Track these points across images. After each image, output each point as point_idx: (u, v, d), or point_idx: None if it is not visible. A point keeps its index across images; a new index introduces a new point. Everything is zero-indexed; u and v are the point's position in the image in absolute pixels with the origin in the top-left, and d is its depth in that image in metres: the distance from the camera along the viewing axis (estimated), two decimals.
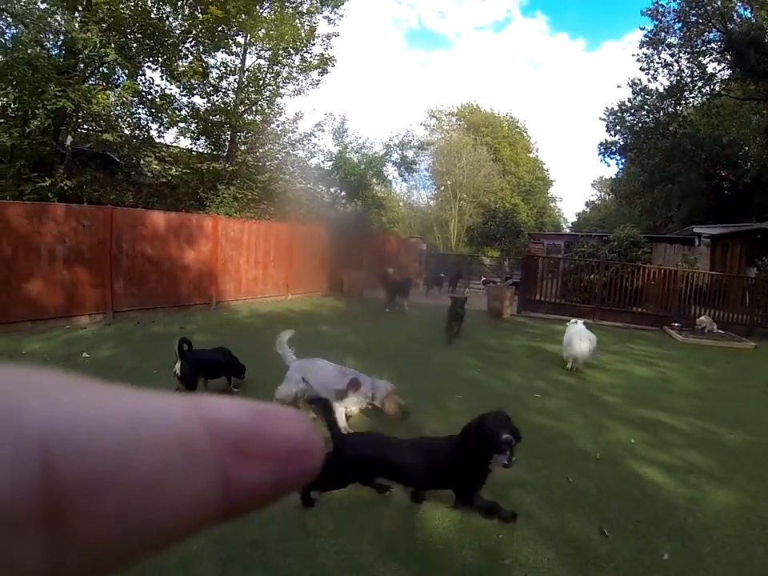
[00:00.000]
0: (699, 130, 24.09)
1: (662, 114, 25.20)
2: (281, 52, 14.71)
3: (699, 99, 24.88)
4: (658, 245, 17.40)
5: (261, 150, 15.13)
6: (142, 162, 13.35)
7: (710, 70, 23.64)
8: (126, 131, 12.71)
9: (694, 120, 24.90)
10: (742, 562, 3.21)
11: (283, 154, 15.61)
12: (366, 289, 13.55)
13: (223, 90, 14.55)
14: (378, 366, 6.28)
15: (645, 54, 24.65)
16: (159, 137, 13.77)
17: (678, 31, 23.40)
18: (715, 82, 23.90)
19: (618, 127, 26.80)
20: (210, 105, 14.27)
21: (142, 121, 13.30)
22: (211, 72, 14.31)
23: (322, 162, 17.02)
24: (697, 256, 15.25)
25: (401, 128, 38.97)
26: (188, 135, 14.18)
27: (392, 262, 15.06)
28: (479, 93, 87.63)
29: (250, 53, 14.95)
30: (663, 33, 23.84)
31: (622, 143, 27.13)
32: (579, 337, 7.27)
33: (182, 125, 13.88)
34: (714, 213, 23.51)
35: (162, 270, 8.84)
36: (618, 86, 26.11)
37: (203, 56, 13.97)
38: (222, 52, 14.37)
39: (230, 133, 14.54)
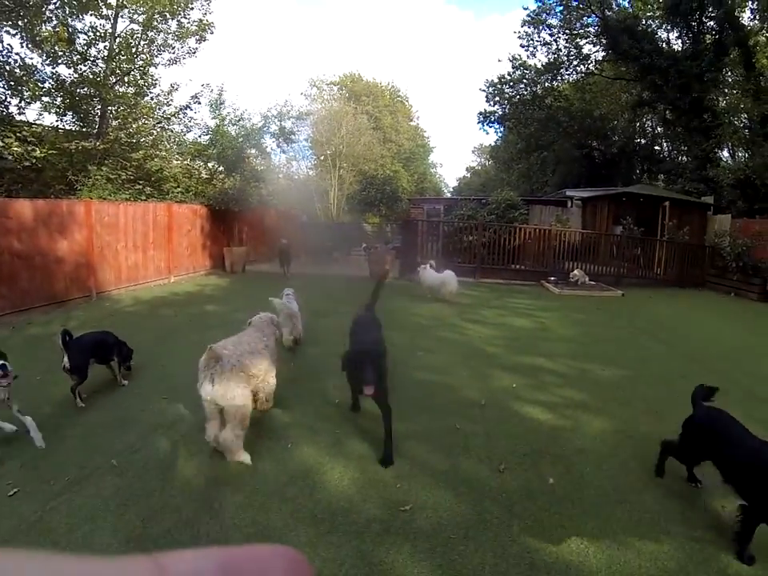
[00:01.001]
0: (573, 104, 26.94)
1: (538, 87, 27.61)
2: (156, 16, 14.12)
3: (574, 76, 27.53)
4: (534, 207, 18.97)
5: (134, 126, 14.18)
6: (0, 143, 11.56)
7: (585, 50, 26.21)
8: None
9: (569, 95, 27.78)
10: (618, 476, 3.60)
11: (158, 129, 15.16)
12: (248, 264, 13.79)
13: (92, 59, 13.41)
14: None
15: (526, 32, 26.68)
16: (20, 113, 12.50)
17: (558, 13, 25.66)
18: (590, 62, 26.59)
19: (497, 98, 28.84)
20: (77, 75, 13.07)
21: None
22: (78, 38, 13.15)
23: (199, 136, 17.02)
24: (569, 216, 17.07)
25: (279, 99, 38.62)
26: (53, 111, 13.02)
27: (275, 235, 15.48)
28: (363, 61, 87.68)
29: (121, 16, 13.89)
30: (545, 14, 25.97)
31: (500, 113, 29.24)
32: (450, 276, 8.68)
33: (45, 99, 12.74)
34: (585, 178, 26.36)
35: (34, 266, 8.04)
36: (499, 60, 28.10)
37: (69, 19, 12.87)
38: (91, 15, 13.25)
39: (100, 107, 13.65)
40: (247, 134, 17.10)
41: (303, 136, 34.80)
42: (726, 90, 20.69)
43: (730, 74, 20.43)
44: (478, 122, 30.47)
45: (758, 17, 18.63)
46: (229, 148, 15.90)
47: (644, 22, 23.00)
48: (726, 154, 22.13)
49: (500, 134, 33.86)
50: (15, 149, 11.43)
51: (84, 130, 13.56)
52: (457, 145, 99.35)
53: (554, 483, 3.41)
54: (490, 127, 30.99)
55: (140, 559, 0.19)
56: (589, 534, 2.97)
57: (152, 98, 14.88)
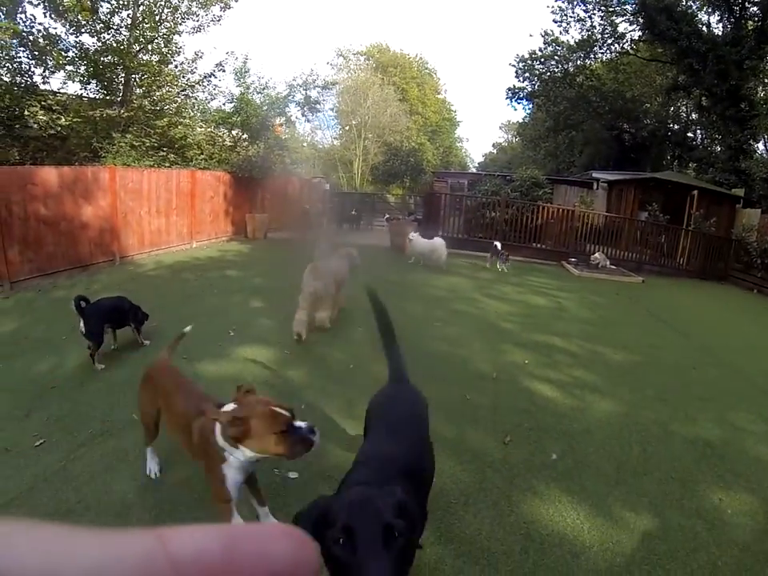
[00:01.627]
0: (605, 84, 25.93)
1: (570, 65, 26.65)
2: None
3: (608, 55, 26.44)
4: (559, 186, 18.69)
5: (158, 94, 13.98)
6: (26, 112, 11.61)
7: (620, 29, 24.97)
8: (6, 78, 11.31)
9: (601, 74, 26.71)
10: (620, 458, 3.64)
11: (182, 97, 14.88)
12: (270, 231, 13.87)
13: (115, 27, 13.06)
14: (283, 304, 6.42)
15: (560, 7, 25.50)
16: (44, 83, 12.32)
17: None
18: (625, 41, 25.35)
19: (527, 74, 27.92)
20: (100, 44, 12.82)
21: (23, 66, 11.71)
22: (101, 6, 12.79)
23: (223, 104, 16.71)
24: (594, 198, 16.80)
25: (305, 68, 38.20)
26: (77, 79, 12.79)
27: (297, 203, 15.94)
28: (391, 32, 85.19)
29: None
30: None
31: (529, 89, 28.39)
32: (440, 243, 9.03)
33: (69, 68, 12.50)
34: (613, 161, 25.63)
35: (60, 231, 8.18)
36: (531, 36, 27.08)
37: None
38: None
39: (123, 75, 13.38)
40: (272, 103, 16.90)
41: (329, 105, 34.70)
42: (766, 80, 19.81)
43: None
44: (507, 98, 29.95)
45: None
46: (253, 116, 15.77)
47: (684, 3, 21.70)
48: (761, 146, 21.32)
49: (528, 111, 33.31)
50: (40, 117, 11.50)
51: (108, 98, 13.41)
52: (484, 120, 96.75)
53: (557, 459, 3.48)
54: (519, 104, 30.54)
55: (143, 533, 0.19)
56: (585, 510, 3.03)
57: (176, 66, 14.59)
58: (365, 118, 33.80)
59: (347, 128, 36.35)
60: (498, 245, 11.09)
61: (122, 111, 12.58)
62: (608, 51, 26.04)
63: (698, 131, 25.94)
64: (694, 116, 26.02)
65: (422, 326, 6.41)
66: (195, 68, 14.90)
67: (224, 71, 15.73)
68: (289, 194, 16.70)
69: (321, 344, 5.39)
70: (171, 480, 2.96)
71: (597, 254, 12.40)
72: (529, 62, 27.38)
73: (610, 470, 3.47)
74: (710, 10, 21.52)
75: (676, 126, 26.92)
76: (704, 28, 21.44)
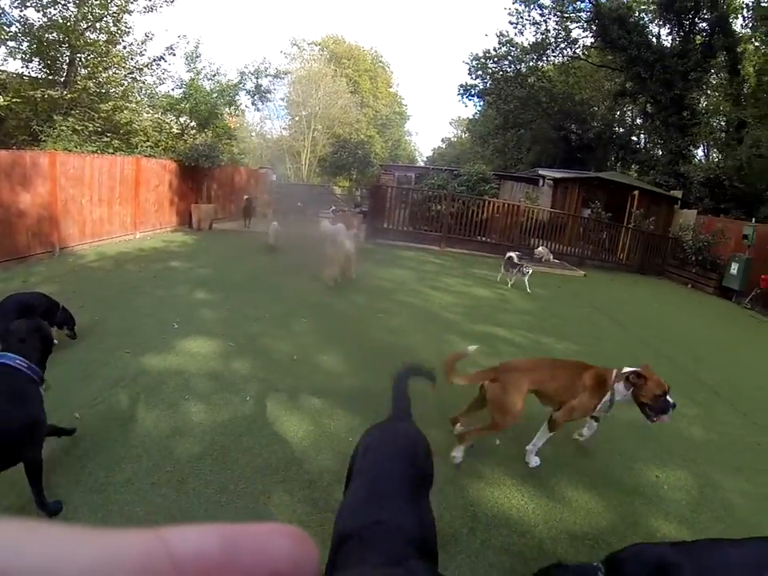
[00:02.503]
0: (555, 86, 27.05)
1: (523, 66, 27.65)
2: None
3: (560, 59, 27.69)
4: (506, 182, 19.13)
5: (104, 75, 13.38)
6: None
7: (574, 34, 26.17)
8: None
9: (553, 76, 27.83)
10: (563, 443, 3.73)
11: (129, 80, 14.32)
12: (216, 221, 13.73)
13: (62, 3, 12.30)
14: (228, 296, 6.50)
15: (516, 10, 26.43)
16: None
17: None
18: (577, 46, 26.69)
19: (479, 72, 28.81)
20: (45, 20, 12.12)
21: None
22: None
23: (172, 89, 16.33)
24: (539, 195, 17.38)
25: (257, 56, 38.19)
26: (18, 57, 12.09)
27: (242, 194, 15.67)
28: (347, 23, 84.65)
29: None
30: None
31: (481, 87, 29.26)
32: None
33: (11, 44, 11.84)
34: (560, 160, 26.66)
35: None
36: (486, 35, 27.84)
37: None
38: None
39: (68, 54, 12.71)
40: (222, 90, 16.70)
41: (279, 95, 34.75)
42: (709, 92, 21.18)
43: (714, 76, 20.90)
44: (458, 94, 30.58)
45: (750, 25, 18.89)
46: (202, 103, 15.53)
47: (636, 14, 23.07)
48: (699, 152, 22.81)
49: (479, 108, 34.04)
50: None
51: (51, 77, 12.74)
52: (434, 115, 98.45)
53: (500, 444, 3.54)
54: (470, 100, 31.18)
55: (144, 533, 0.19)
56: (529, 492, 3.12)
57: (124, 47, 14.04)
58: (315, 108, 33.75)
59: (297, 119, 36.18)
60: (514, 256, 9.59)
61: (65, 92, 11.97)
62: (560, 55, 27.24)
63: (642, 135, 27.37)
64: (638, 121, 27.50)
65: (366, 316, 6.44)
66: (144, 50, 14.42)
67: (174, 55, 15.35)
68: (236, 185, 16.48)
69: (265, 336, 5.31)
70: (117, 481, 2.85)
71: (540, 248, 12.80)
72: (482, 60, 28.17)
73: (552, 454, 3.56)
74: (660, 23, 22.87)
75: (621, 130, 28.32)
76: (654, 39, 22.77)
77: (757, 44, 18.49)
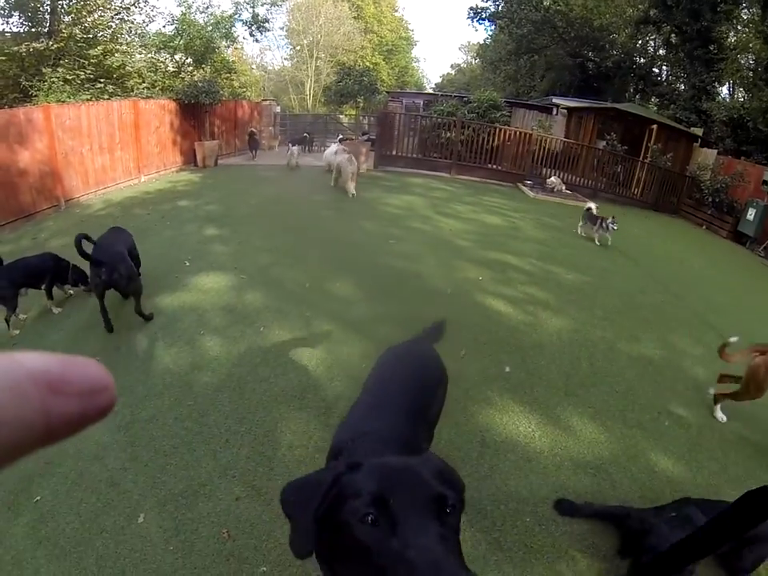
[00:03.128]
0: (573, 10, 24.91)
1: None
2: None
3: None
4: (518, 110, 18.38)
5: (89, 20, 12.60)
6: None
7: None
8: None
9: (570, 0, 25.78)
10: (569, 372, 3.78)
11: (117, 22, 13.60)
12: (221, 157, 13.45)
13: None
14: (237, 230, 6.42)
15: None
16: None
17: None
18: None
19: None
20: None
21: None
22: None
23: (163, 26, 15.88)
24: (552, 124, 16.61)
25: None
26: None
27: (245, 128, 15.37)
28: None
29: None
30: None
31: (493, 10, 27.36)
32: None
33: None
34: (575, 88, 25.34)
35: None
36: None
37: None
38: None
39: (49, 3, 12.02)
40: (217, 23, 15.99)
41: (279, 24, 33.76)
42: (739, 27, 19.66)
43: (745, 11, 19.18)
44: (468, 17, 28.58)
45: None
46: (197, 38, 14.87)
47: None
48: (724, 90, 21.49)
49: (490, 33, 31.88)
50: None
51: (34, 30, 12.13)
52: (443, 40, 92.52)
53: (510, 372, 3.56)
54: (480, 24, 29.28)
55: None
56: (537, 420, 3.15)
57: None
58: (317, 36, 32.45)
59: (298, 48, 34.77)
60: (593, 207, 8.46)
61: (51, 43, 11.42)
62: None
63: (664, 67, 25.78)
64: (661, 52, 25.65)
65: (377, 243, 6.37)
66: None
67: None
68: (238, 119, 15.97)
69: (277, 266, 5.29)
70: (143, 417, 2.94)
71: (553, 178, 12.49)
72: None
73: (559, 383, 3.60)
74: None
75: (642, 60, 26.57)
76: None
77: None
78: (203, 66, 15.54)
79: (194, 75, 14.99)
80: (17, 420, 0.23)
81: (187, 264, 5.23)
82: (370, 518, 0.88)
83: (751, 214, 11.17)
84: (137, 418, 2.90)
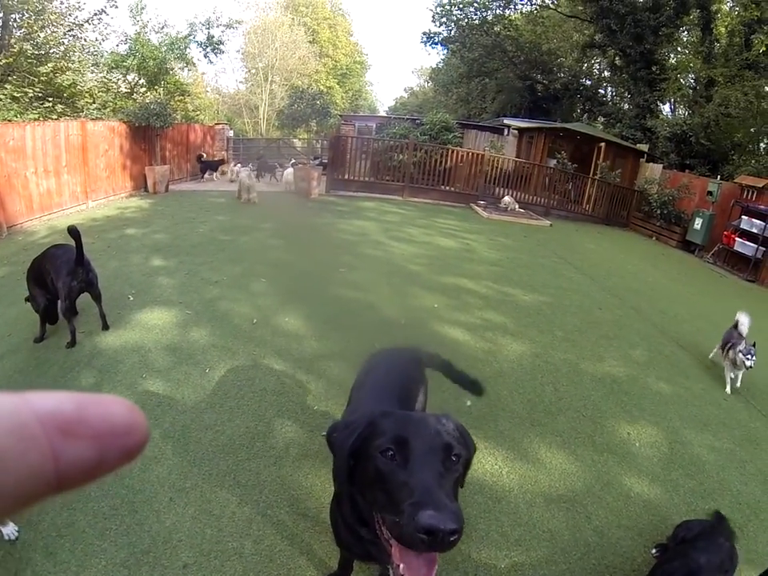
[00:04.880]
0: (522, 35, 26.33)
1: (489, 13, 26.61)
2: None
3: (528, 7, 26.76)
4: (470, 131, 18.80)
5: (41, 36, 12.42)
6: None
7: None
8: None
9: (519, 25, 26.99)
10: (533, 399, 3.65)
11: (70, 38, 13.40)
12: (172, 183, 13.05)
13: None
14: (184, 260, 6.16)
15: None
16: None
17: None
18: None
19: (444, 19, 27.71)
20: None
21: None
22: None
23: (117, 45, 15.31)
24: (504, 144, 17.09)
25: (208, 5, 36.43)
26: None
27: (197, 152, 15.28)
28: None
29: None
30: None
31: (445, 35, 28.30)
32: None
33: None
34: (525, 109, 26.38)
35: None
36: None
37: None
38: None
39: (1, 15, 11.92)
40: (171, 43, 15.72)
41: (234, 47, 33.89)
42: (679, 48, 20.99)
43: (685, 33, 20.64)
44: (422, 42, 29.59)
45: None
46: (150, 58, 14.53)
47: None
48: (666, 108, 22.81)
49: (443, 57, 33.07)
50: None
51: None
52: (397, 64, 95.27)
53: (471, 405, 3.39)
54: (433, 48, 30.26)
55: (7, 394, 0.23)
56: (503, 455, 3.00)
57: (61, 2, 13.05)
58: (272, 60, 32.53)
59: (253, 71, 34.94)
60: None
61: (0, 58, 11.04)
62: (528, 3, 26.48)
63: (609, 88, 27.19)
64: (606, 74, 27.17)
65: (328, 272, 6.17)
66: (84, 4, 13.62)
67: (117, 7, 14.66)
68: (190, 143, 15.72)
69: (223, 300, 5.01)
70: None
71: (506, 198, 12.69)
72: (447, 6, 27.20)
73: (524, 412, 3.47)
74: None
75: (588, 82, 27.97)
76: None
77: (731, 4, 18.30)
78: (156, 87, 15.27)
79: (147, 97, 14.69)
80: (22, 466, 0.21)
81: (131, 298, 4.92)
82: (389, 453, 1.14)
83: (698, 223, 11.77)
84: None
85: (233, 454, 2.83)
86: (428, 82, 48.01)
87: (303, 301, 5.10)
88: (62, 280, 3.79)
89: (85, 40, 13.94)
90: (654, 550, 2.48)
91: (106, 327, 4.14)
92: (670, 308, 6.78)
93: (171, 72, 16.20)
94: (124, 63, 14.58)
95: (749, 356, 4.28)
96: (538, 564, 2.34)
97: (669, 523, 2.67)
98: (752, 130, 16.66)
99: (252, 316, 4.64)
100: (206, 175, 14.72)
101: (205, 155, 15.09)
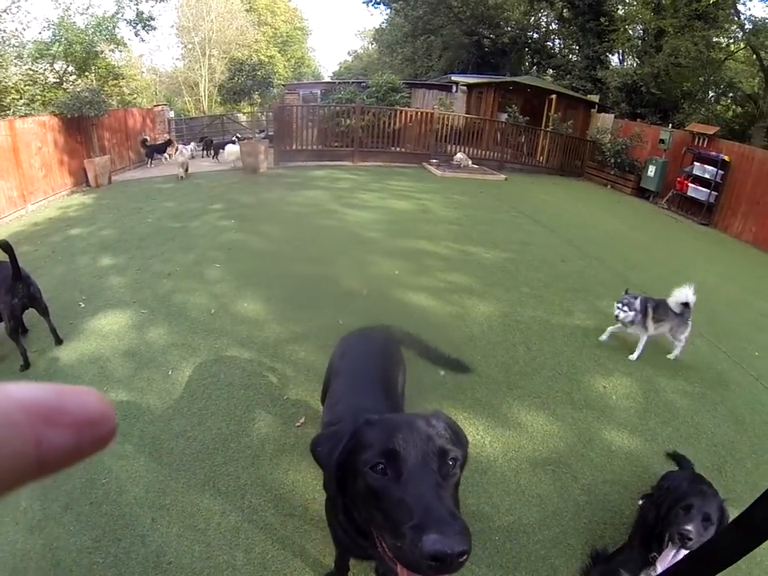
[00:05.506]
0: None
1: None
2: None
3: None
4: (417, 90, 18.72)
5: None
6: None
7: None
8: None
9: None
10: (507, 362, 3.55)
11: None
12: (114, 173, 12.25)
13: None
14: (134, 255, 5.73)
15: None
16: None
17: None
18: None
19: None
20: None
21: None
22: None
23: (39, 32, 14.42)
24: (453, 101, 16.88)
25: None
26: None
27: (138, 138, 14.54)
28: None
29: None
30: None
31: None
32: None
33: None
34: (473, 65, 26.11)
35: None
36: None
37: None
38: None
39: None
40: (98, 24, 14.63)
41: (167, 22, 32.71)
42: (626, 0, 21.02)
43: None
44: (363, 2, 29.11)
45: None
46: (77, 43, 13.50)
47: None
48: (615, 59, 22.95)
49: (386, 17, 32.38)
50: None
51: None
52: (340, 28, 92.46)
53: (445, 375, 3.23)
54: (376, 8, 29.70)
55: None
56: (484, 424, 2.91)
57: None
58: (209, 33, 31.28)
59: (190, 46, 33.40)
60: None
61: None
62: None
63: (557, 40, 27.09)
64: (554, 26, 27.01)
65: (283, 248, 5.88)
66: None
67: None
68: (129, 129, 14.84)
69: (178, 293, 4.67)
70: None
71: (459, 155, 12.57)
72: None
73: (499, 376, 3.37)
74: None
75: (536, 35, 27.79)
76: None
77: None
78: (87, 73, 14.35)
79: (78, 85, 13.65)
80: (6, 451, 0.23)
81: (82, 305, 4.52)
82: (379, 467, 1.04)
83: (651, 170, 12.02)
84: (49, 514, 2.37)
85: (208, 460, 2.64)
86: (372, 44, 46.84)
87: (260, 282, 4.83)
88: (1, 299, 3.46)
89: (4, 32, 13.00)
90: (640, 501, 2.44)
91: (59, 341, 3.83)
92: (630, 256, 6.83)
93: (101, 55, 15.20)
94: (49, 51, 13.54)
95: (619, 305, 3.76)
96: (532, 530, 2.30)
97: (651, 472, 2.70)
98: (701, 79, 17.09)
99: (209, 306, 4.36)
100: (154, 159, 14.21)
101: (148, 138, 14.49)
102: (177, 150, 14.27)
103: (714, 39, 16.43)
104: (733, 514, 2.42)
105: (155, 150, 14.42)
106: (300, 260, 5.47)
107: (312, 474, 2.51)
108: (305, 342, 3.72)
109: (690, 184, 11.07)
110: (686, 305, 3.85)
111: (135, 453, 2.69)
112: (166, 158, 14.48)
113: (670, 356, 3.93)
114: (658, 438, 3.01)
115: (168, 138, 15.73)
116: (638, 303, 3.77)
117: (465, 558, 0.86)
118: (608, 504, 2.50)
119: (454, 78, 19.92)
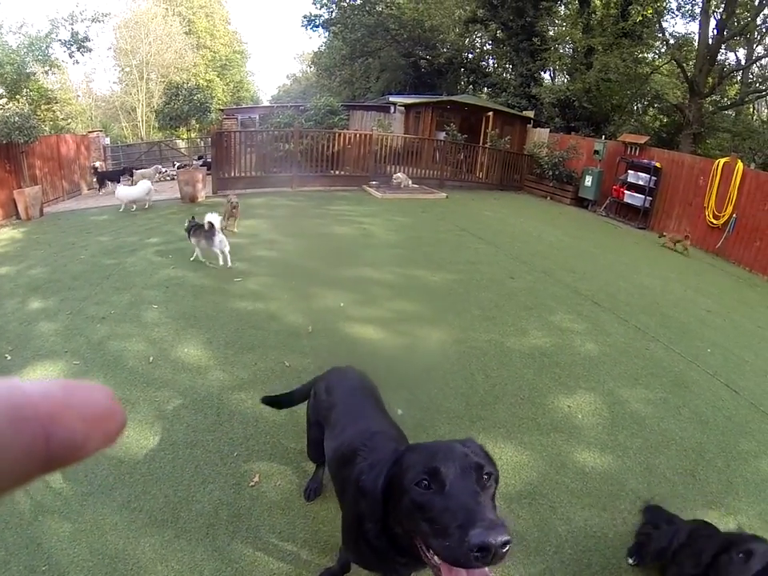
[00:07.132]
0: (405, 13, 26.56)
1: None
2: None
3: None
4: (355, 112, 18.82)
5: None
6: None
7: None
8: None
9: (402, 3, 27.32)
10: (466, 393, 3.39)
11: None
12: (47, 204, 11.44)
13: None
14: (66, 297, 5.21)
15: None
16: None
17: None
18: None
19: (325, 1, 27.68)
20: None
21: None
22: None
23: None
24: (391, 122, 17.09)
25: None
26: None
27: (72, 166, 14.05)
28: None
29: None
30: None
31: (327, 17, 28.28)
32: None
33: None
34: (410, 86, 26.95)
35: None
36: None
37: None
38: None
39: None
40: (30, 44, 14.15)
41: (105, 44, 31.61)
42: (557, 21, 22.30)
43: (563, 7, 22.07)
44: (302, 25, 29.61)
45: None
46: (7, 63, 12.93)
47: None
48: (547, 76, 24.13)
49: (325, 40, 32.90)
50: None
51: None
52: (278, 51, 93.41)
53: (403, 414, 3.03)
54: (315, 31, 30.14)
55: None
56: None
57: None
58: (147, 56, 30.75)
59: (127, 70, 32.67)
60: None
61: None
62: None
63: (492, 60, 28.22)
64: (488, 46, 28.17)
65: (222, 284, 5.51)
66: None
67: None
68: (63, 157, 13.98)
69: (113, 339, 4.24)
70: None
71: (399, 174, 12.61)
72: None
73: (460, 409, 3.22)
74: None
75: (471, 55, 28.87)
76: None
77: None
78: (18, 96, 13.74)
79: (8, 109, 12.96)
80: (16, 445, 0.23)
81: (8, 357, 3.98)
82: (424, 483, 1.17)
83: (588, 180, 12.58)
84: None
85: (158, 535, 2.30)
86: (311, 67, 47.27)
87: (200, 324, 4.46)
88: None
89: None
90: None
91: None
92: (577, 266, 6.91)
93: (33, 77, 14.63)
94: None
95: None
96: (516, 571, 2.16)
97: (627, 489, 2.69)
98: (629, 92, 18.37)
99: (148, 353, 3.97)
100: (105, 188, 13.57)
101: (99, 165, 14.25)
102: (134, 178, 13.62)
103: (641, 55, 17.80)
104: (713, 517, 2.43)
105: (106, 178, 13.84)
106: (240, 296, 5.15)
107: (275, 537, 2.29)
108: (251, 389, 3.44)
109: (625, 191, 11.65)
110: (211, 225, 5.96)
111: (74, 533, 2.33)
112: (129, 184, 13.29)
113: None
114: (629, 451, 3.00)
115: (124, 166, 15.44)
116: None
117: (507, 548, 0.97)
118: (590, 530, 2.40)
119: (392, 98, 20.18)
